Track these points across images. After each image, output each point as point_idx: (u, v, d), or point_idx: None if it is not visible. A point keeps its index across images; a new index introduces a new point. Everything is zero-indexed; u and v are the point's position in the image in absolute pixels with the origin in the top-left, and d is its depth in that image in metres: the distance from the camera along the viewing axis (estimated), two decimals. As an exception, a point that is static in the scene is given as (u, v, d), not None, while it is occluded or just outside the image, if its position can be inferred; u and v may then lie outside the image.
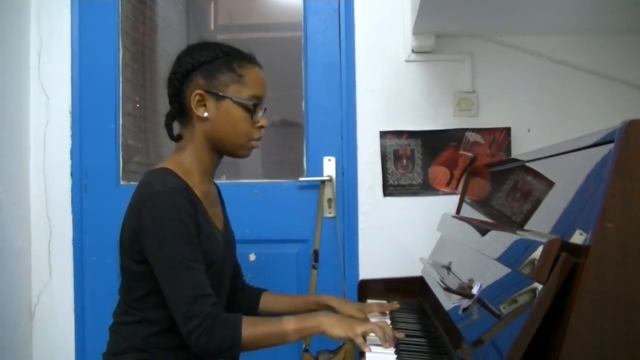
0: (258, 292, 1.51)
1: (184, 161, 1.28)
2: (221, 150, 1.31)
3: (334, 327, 1.19)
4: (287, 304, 1.50)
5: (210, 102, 1.25)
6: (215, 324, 1.11)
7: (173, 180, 1.19)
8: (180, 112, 1.30)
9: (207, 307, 1.12)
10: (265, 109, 1.31)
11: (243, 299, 1.50)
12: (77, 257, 2.07)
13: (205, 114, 1.25)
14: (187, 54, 1.29)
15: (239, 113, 1.26)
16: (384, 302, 1.57)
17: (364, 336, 1.19)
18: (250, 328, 1.15)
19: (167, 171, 1.22)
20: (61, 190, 2.09)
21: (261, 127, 1.31)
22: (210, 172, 1.34)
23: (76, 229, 2.08)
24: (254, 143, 1.31)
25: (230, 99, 1.25)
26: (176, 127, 1.35)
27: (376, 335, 1.18)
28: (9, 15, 1.99)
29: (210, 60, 1.26)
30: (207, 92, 1.25)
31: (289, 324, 1.18)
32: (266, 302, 1.50)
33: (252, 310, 1.49)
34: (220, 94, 1.25)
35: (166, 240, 1.14)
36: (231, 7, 2.61)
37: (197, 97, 1.25)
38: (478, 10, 1.73)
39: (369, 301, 1.64)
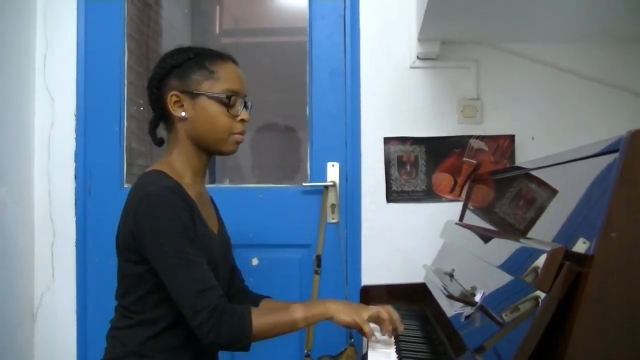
0: (258, 299, 1.49)
1: (174, 163, 1.31)
2: (205, 148, 1.33)
3: (340, 312, 1.20)
4: None
5: (187, 102, 1.29)
6: (224, 316, 1.12)
7: (166, 180, 1.22)
8: (162, 117, 1.34)
9: (214, 300, 1.12)
10: (245, 103, 1.33)
11: (241, 304, 1.48)
12: (80, 259, 2.07)
13: (184, 114, 1.29)
14: (162, 61, 1.33)
15: (215, 108, 1.28)
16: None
17: (370, 321, 1.20)
18: (260, 318, 1.16)
19: (160, 173, 1.25)
20: (65, 192, 2.09)
21: (242, 120, 1.32)
22: (200, 173, 1.36)
23: (79, 231, 2.08)
24: (237, 137, 1.32)
25: (204, 94, 1.28)
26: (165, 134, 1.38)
27: (382, 317, 1.21)
28: (15, 16, 2.00)
29: (182, 63, 1.30)
30: (182, 92, 1.28)
31: (298, 312, 1.19)
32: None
33: None
34: (195, 91, 1.28)
35: (165, 238, 1.15)
36: (237, 11, 2.62)
37: (174, 99, 1.29)
38: (483, 17, 1.73)
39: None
